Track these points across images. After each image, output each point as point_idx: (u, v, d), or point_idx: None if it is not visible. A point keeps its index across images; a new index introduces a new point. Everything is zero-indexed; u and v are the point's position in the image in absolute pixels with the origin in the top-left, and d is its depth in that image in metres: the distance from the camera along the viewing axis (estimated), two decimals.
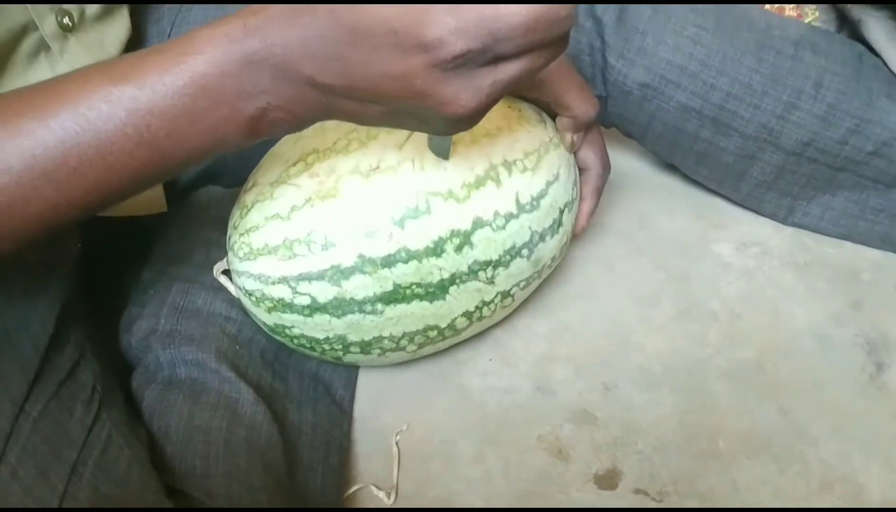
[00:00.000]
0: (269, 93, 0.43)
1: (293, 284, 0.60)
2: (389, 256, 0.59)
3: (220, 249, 0.68)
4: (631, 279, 0.85)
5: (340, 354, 0.65)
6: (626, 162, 0.96)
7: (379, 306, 0.61)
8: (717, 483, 0.69)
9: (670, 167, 0.93)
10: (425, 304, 0.62)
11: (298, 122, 0.46)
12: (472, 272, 0.62)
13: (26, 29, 0.58)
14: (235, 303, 0.70)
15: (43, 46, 0.60)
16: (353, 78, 0.41)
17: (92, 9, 0.63)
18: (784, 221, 0.89)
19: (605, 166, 0.70)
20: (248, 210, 0.62)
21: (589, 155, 0.68)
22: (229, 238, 0.64)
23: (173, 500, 0.53)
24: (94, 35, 0.63)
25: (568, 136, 0.66)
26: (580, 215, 0.71)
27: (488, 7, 0.37)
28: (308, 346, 0.65)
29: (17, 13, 0.56)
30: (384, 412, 0.74)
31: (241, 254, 0.62)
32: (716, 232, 0.90)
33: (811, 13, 0.92)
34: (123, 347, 0.69)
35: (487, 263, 0.62)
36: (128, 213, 0.70)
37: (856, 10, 0.85)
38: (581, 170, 0.70)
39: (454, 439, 0.72)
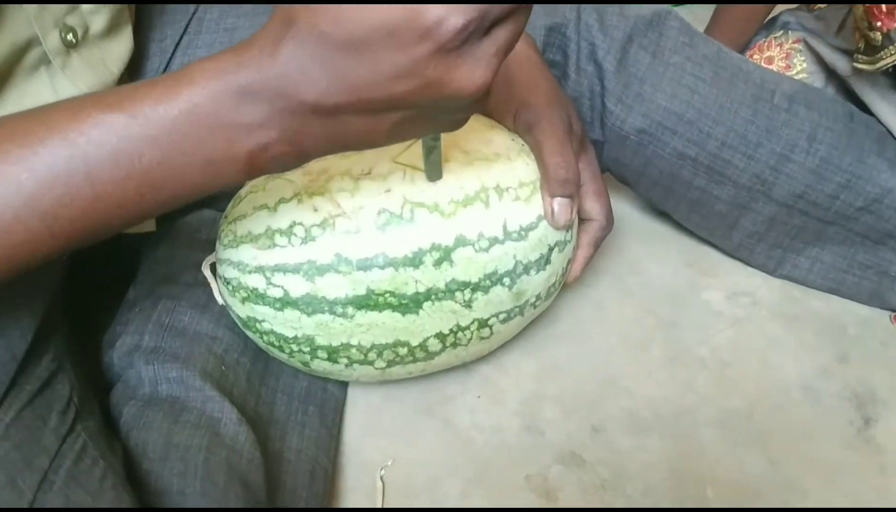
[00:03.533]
0: (269, 126, 0.42)
1: (268, 275, 0.60)
2: (366, 259, 0.59)
3: None
4: (621, 323, 0.85)
5: (308, 357, 0.64)
6: (619, 208, 0.96)
7: (350, 310, 0.60)
8: None
9: (662, 214, 0.93)
10: (397, 315, 0.61)
11: (303, 157, 0.45)
12: (450, 291, 0.61)
13: (30, 43, 0.57)
14: (222, 322, 0.68)
15: (44, 60, 0.59)
16: (361, 90, 0.40)
17: (96, 26, 0.62)
18: (773, 273, 0.90)
19: (608, 220, 0.69)
20: (241, 200, 0.63)
21: (595, 207, 0.68)
22: (219, 227, 0.64)
23: None
24: (97, 52, 0.63)
25: (546, 201, 0.63)
26: (575, 263, 0.70)
27: None
28: (277, 344, 0.64)
29: (22, 28, 0.56)
30: (369, 446, 0.73)
31: (225, 241, 0.62)
32: (706, 280, 0.90)
33: (798, 64, 0.94)
34: (105, 363, 0.67)
35: (466, 284, 0.61)
36: None
37: (842, 65, 0.87)
38: (584, 220, 0.69)
39: (440, 477, 0.71)
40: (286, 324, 0.62)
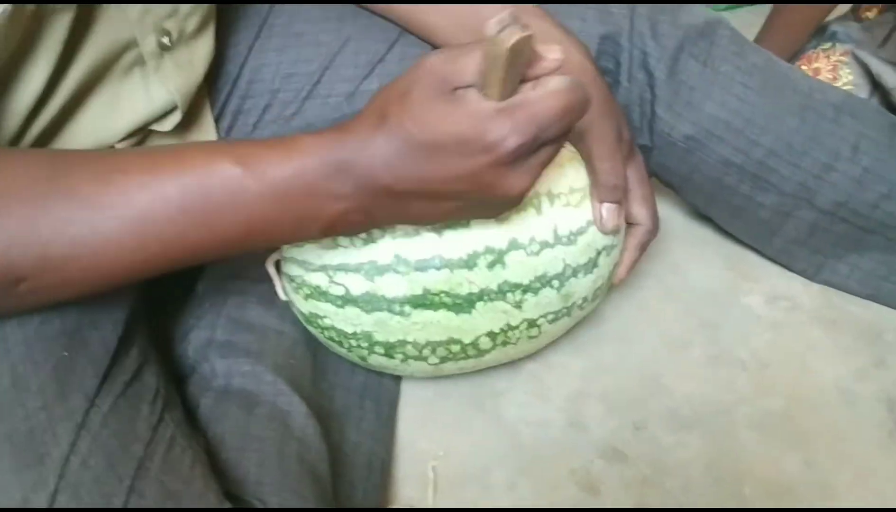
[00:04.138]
0: (351, 198, 0.50)
1: (331, 274, 0.63)
2: (424, 260, 0.62)
3: None
4: (663, 324, 0.88)
5: (366, 352, 0.68)
6: (663, 211, 0.96)
7: (407, 309, 0.63)
8: None
9: (705, 218, 0.95)
10: (451, 315, 0.64)
11: (372, 225, 0.54)
12: (501, 292, 0.64)
13: (128, 46, 0.60)
14: (287, 318, 0.72)
15: (139, 62, 0.62)
16: (428, 182, 0.49)
17: (189, 28, 0.65)
18: (812, 278, 0.92)
19: (655, 224, 0.72)
20: None
21: (641, 211, 0.70)
22: None
23: (230, 502, 0.55)
24: (186, 54, 0.65)
25: (596, 206, 0.66)
26: (621, 266, 0.73)
27: (532, 105, 0.46)
28: (336, 340, 0.67)
29: (122, 30, 0.59)
30: (421, 438, 0.77)
31: None
32: (746, 284, 0.93)
33: (845, 76, 0.96)
34: (178, 355, 0.71)
35: (517, 286, 0.64)
36: None
37: (888, 77, 0.88)
38: (631, 224, 0.72)
39: (489, 468, 0.74)
40: (346, 320, 0.65)
